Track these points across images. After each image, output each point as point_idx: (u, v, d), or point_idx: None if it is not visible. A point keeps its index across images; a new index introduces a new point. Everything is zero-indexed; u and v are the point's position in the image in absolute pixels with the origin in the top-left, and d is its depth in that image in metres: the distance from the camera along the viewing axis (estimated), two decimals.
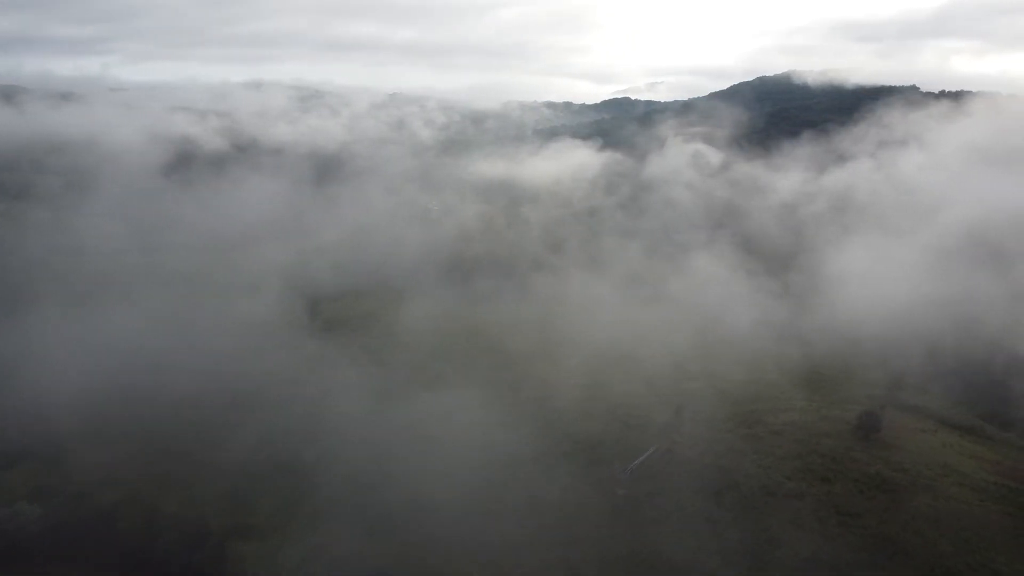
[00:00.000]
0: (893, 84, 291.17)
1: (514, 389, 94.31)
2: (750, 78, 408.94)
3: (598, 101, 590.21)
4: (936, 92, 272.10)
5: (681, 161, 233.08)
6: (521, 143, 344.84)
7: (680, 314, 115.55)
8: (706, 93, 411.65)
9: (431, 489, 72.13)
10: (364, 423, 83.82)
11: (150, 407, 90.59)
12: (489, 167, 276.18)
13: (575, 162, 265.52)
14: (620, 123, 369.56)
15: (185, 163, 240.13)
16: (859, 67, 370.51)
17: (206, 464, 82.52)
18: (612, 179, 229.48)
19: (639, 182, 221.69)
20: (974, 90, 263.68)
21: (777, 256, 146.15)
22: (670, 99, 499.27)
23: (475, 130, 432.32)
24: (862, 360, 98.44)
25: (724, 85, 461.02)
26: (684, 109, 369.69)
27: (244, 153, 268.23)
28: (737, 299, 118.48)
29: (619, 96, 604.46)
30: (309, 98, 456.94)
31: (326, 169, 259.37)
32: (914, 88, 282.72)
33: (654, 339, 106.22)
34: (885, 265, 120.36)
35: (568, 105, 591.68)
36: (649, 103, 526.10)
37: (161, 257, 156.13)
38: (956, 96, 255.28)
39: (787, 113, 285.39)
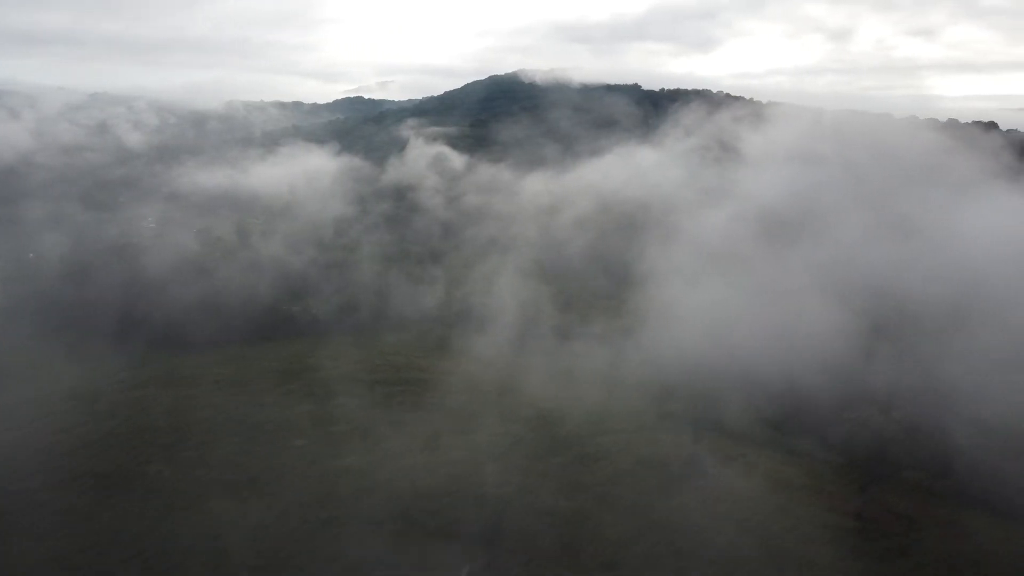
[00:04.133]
0: (617, 83, 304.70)
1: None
2: (481, 77, 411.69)
3: (330, 100, 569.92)
4: (657, 90, 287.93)
5: (423, 164, 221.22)
6: (249, 146, 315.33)
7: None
8: (439, 92, 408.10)
9: None
10: None
11: None
12: (212, 175, 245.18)
13: (311, 167, 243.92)
14: (356, 124, 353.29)
15: None
16: (581, 66, 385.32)
17: None
18: (352, 185, 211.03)
19: (382, 188, 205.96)
20: (688, 88, 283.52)
21: (552, 267, 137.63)
22: (404, 98, 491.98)
23: (195, 133, 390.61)
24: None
25: (455, 84, 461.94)
26: (420, 109, 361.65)
27: None
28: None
29: (351, 95, 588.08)
30: None
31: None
32: (636, 87, 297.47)
33: None
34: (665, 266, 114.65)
35: (299, 105, 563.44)
36: (383, 102, 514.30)
37: None
38: (675, 94, 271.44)
39: (523, 112, 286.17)
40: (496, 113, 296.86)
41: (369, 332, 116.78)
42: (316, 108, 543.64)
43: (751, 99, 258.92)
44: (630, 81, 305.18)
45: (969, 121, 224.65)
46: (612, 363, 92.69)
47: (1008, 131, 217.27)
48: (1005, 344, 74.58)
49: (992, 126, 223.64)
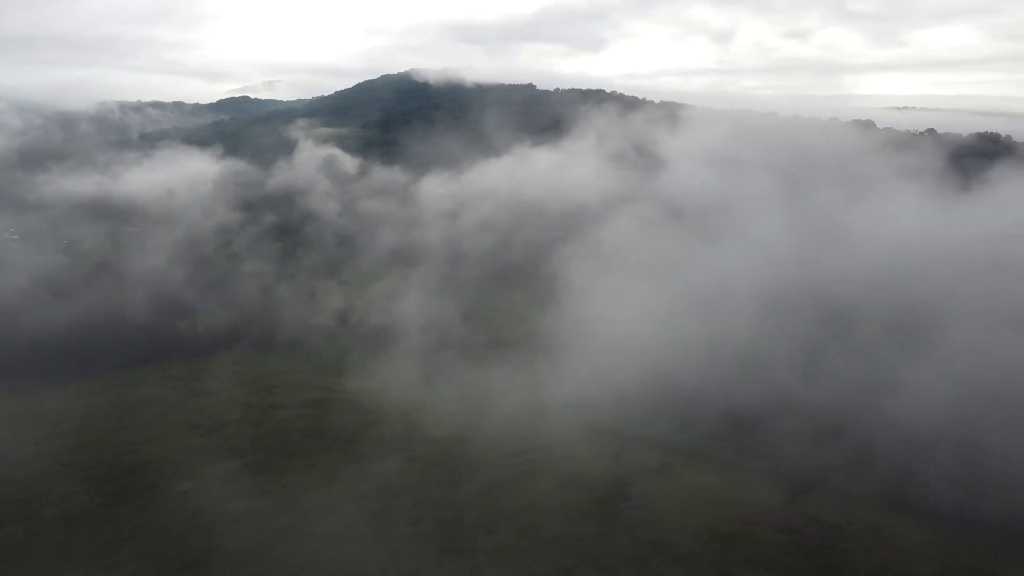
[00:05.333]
0: (511, 82, 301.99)
1: None
2: (373, 76, 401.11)
3: (213, 101, 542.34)
4: (552, 90, 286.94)
5: (314, 167, 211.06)
6: (124, 150, 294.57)
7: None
8: (330, 92, 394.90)
9: None
10: None
11: None
12: (82, 181, 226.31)
13: (192, 171, 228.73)
14: (242, 125, 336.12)
15: None
16: (475, 66, 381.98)
17: None
18: (238, 190, 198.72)
19: (269, 193, 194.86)
20: (583, 88, 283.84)
21: (457, 277, 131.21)
22: (292, 98, 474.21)
23: (64, 136, 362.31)
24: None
25: (346, 83, 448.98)
26: (310, 109, 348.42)
27: None
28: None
29: (236, 95, 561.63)
30: None
31: None
32: (531, 86, 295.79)
33: None
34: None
35: (179, 105, 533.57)
36: (271, 103, 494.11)
37: None
38: (571, 94, 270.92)
39: (417, 112, 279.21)
40: (389, 114, 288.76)
41: (260, 352, 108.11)
42: (198, 109, 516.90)
43: (644, 99, 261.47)
44: (524, 81, 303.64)
45: (848, 120, 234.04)
46: (526, 378, 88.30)
47: (884, 129, 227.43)
48: (929, 345, 74.84)
49: (870, 125, 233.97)
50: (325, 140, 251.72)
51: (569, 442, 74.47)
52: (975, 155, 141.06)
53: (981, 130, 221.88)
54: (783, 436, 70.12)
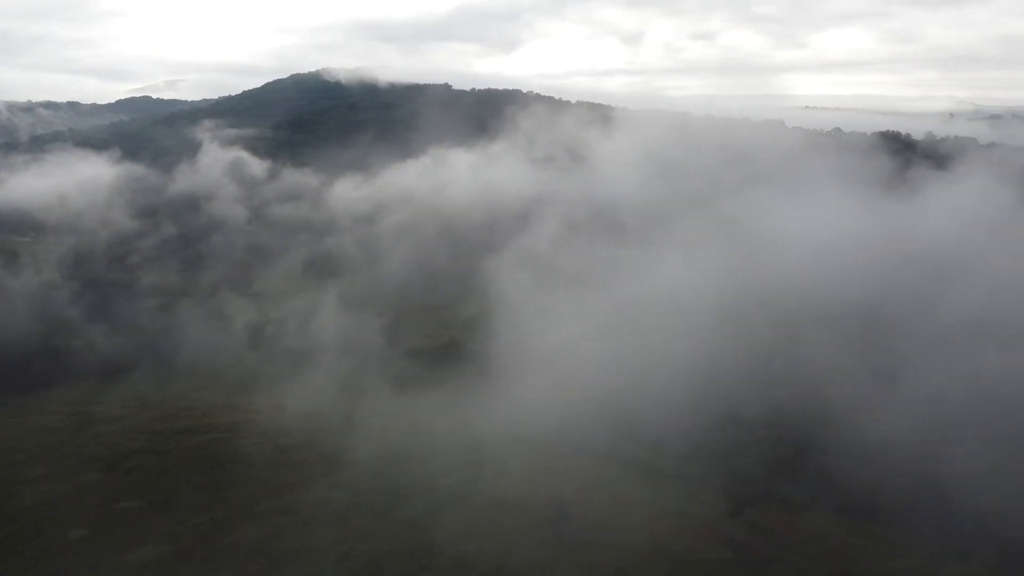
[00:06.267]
0: (427, 82, 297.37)
1: None
2: (283, 76, 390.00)
3: (112, 101, 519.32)
4: (468, 90, 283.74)
5: (219, 171, 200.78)
6: (11, 153, 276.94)
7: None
8: (237, 91, 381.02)
9: None
10: None
11: None
12: None
13: (85, 176, 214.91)
14: (143, 126, 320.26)
15: None
16: (389, 65, 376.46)
17: None
18: (136, 196, 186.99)
19: (172, 198, 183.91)
20: (499, 88, 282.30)
21: (377, 288, 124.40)
22: (198, 98, 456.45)
23: None
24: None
25: (255, 83, 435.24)
26: (217, 110, 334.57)
27: None
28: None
29: (137, 95, 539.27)
30: None
31: None
32: (447, 86, 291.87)
33: None
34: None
35: (75, 106, 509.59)
36: (175, 103, 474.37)
37: None
38: (487, 94, 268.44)
39: (329, 112, 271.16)
40: (300, 114, 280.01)
41: (165, 374, 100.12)
42: (96, 109, 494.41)
43: (561, 99, 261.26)
44: (440, 81, 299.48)
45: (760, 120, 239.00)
46: (455, 395, 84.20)
47: (794, 128, 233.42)
48: (877, 351, 74.47)
49: (780, 124, 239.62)
50: (232, 142, 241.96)
51: (504, 461, 70.58)
52: (887, 154, 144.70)
53: (882, 129, 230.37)
54: (727, 446, 68.25)
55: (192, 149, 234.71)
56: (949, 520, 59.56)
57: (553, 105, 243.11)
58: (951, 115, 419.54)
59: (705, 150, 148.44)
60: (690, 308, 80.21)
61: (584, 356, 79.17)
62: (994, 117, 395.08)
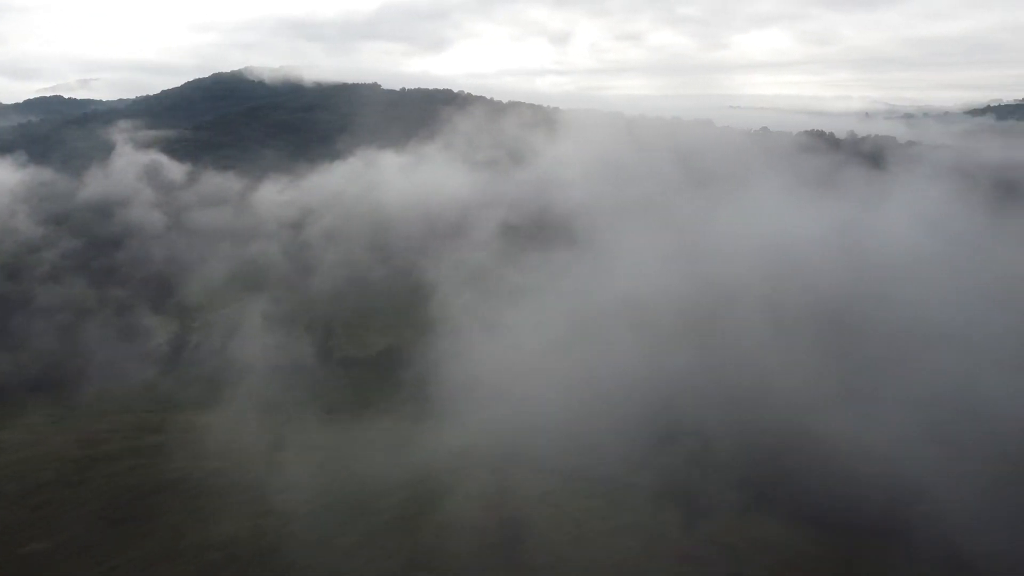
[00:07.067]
0: (355, 82, 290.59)
1: None
2: (203, 75, 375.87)
3: (20, 101, 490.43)
4: (398, 89, 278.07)
5: (134, 175, 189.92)
6: None
7: None
8: (156, 91, 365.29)
9: None
10: None
11: None
12: None
13: None
14: (53, 128, 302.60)
15: None
16: (315, 64, 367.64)
17: None
18: (43, 203, 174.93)
19: (82, 205, 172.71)
20: (429, 87, 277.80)
21: (307, 300, 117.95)
22: (113, 98, 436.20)
23: None
24: None
25: (174, 82, 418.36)
26: (133, 110, 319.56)
27: None
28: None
29: (47, 95, 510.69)
30: None
31: None
32: (376, 86, 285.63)
33: None
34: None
35: None
36: (88, 103, 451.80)
37: None
38: (417, 94, 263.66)
39: (252, 113, 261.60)
40: (222, 114, 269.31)
41: (79, 395, 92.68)
42: (2, 110, 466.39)
43: (492, 99, 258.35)
44: (368, 80, 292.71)
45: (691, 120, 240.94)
46: (393, 411, 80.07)
47: (723, 128, 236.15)
48: (823, 354, 73.53)
49: (709, 123, 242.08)
50: (149, 144, 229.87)
51: (449, 480, 66.93)
52: (816, 153, 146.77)
53: (806, 128, 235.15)
54: (681, 457, 66.27)
55: (106, 152, 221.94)
56: (905, 527, 58.94)
57: (486, 105, 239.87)
58: (867, 114, 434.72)
59: (643, 151, 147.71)
60: (640, 318, 77.99)
61: (531, 367, 76.06)
62: (908, 116, 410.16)
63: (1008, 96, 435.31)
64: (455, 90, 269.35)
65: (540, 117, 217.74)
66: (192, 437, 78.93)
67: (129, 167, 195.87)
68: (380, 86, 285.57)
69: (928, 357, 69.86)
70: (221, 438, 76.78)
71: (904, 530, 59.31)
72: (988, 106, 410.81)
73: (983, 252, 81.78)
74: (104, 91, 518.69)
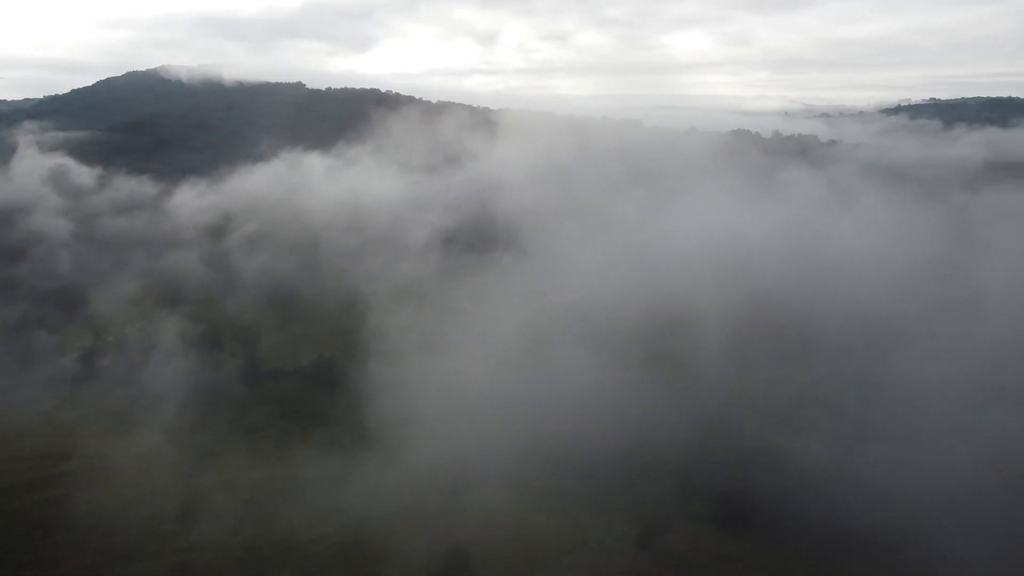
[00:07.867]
0: (278, 81, 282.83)
1: None
2: (117, 73, 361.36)
3: None
4: (324, 89, 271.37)
5: (38, 179, 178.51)
6: None
7: None
8: (66, 90, 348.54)
9: None
10: None
11: None
12: None
13: None
14: None
15: None
16: (237, 63, 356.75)
17: None
18: None
19: None
20: (356, 87, 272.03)
21: (231, 316, 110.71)
22: (19, 97, 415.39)
23: None
24: None
25: (85, 81, 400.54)
26: (40, 110, 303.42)
27: None
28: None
29: None
30: None
31: None
32: (301, 85, 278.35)
33: None
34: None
35: None
36: None
37: None
38: (344, 94, 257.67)
39: (170, 113, 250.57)
40: (136, 115, 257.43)
41: None
42: None
43: (420, 98, 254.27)
44: (292, 79, 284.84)
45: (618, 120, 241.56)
46: (325, 434, 75.35)
47: (652, 128, 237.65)
48: (770, 363, 72.37)
49: (638, 124, 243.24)
50: (57, 146, 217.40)
51: (390, 507, 62.84)
52: (743, 151, 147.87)
53: (730, 128, 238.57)
54: (630, 472, 64.02)
55: (7, 155, 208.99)
56: (860, 536, 58.28)
57: (416, 105, 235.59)
58: (786, 114, 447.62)
59: (580, 152, 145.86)
60: (590, 332, 75.18)
61: (474, 389, 72.35)
62: (825, 115, 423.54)
63: (917, 96, 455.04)
64: (383, 90, 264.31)
65: (474, 118, 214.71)
66: (105, 464, 72.59)
67: (33, 171, 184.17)
68: (305, 85, 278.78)
69: (883, 359, 69.51)
70: (137, 462, 70.76)
71: (862, 541, 58.74)
72: (899, 105, 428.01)
73: (920, 248, 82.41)
74: (9, 90, 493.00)
